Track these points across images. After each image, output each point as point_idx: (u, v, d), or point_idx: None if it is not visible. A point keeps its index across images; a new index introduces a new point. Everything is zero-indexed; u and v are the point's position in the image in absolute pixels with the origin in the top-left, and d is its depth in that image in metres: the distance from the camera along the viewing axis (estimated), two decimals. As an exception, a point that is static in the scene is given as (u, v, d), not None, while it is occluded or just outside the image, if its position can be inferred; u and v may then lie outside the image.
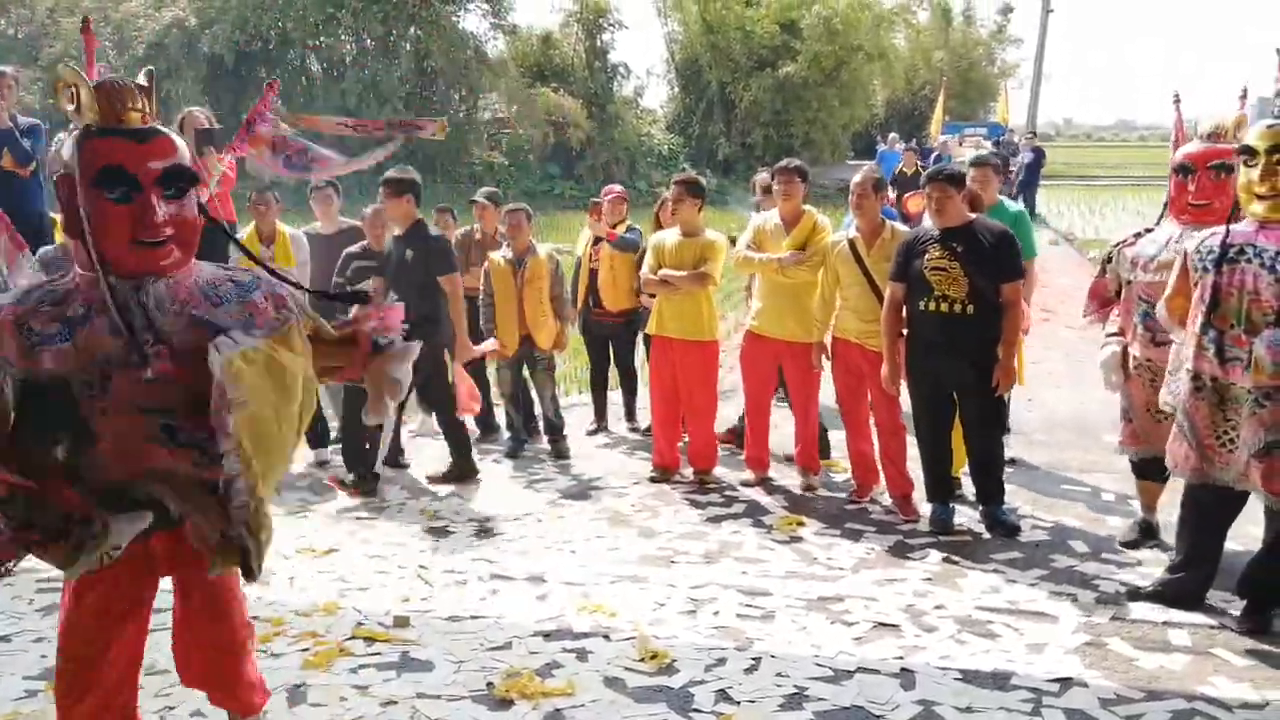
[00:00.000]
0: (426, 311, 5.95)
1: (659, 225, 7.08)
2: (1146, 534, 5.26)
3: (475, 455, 6.62)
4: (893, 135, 24.38)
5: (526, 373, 7.13)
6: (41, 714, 3.63)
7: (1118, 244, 5.14)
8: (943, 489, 5.58)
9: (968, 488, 5.76)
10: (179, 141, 2.68)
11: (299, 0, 27.78)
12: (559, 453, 6.99)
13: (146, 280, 2.62)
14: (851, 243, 5.77)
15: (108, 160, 2.55)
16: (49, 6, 28.86)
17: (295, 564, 5.12)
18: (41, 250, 6.40)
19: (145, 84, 2.68)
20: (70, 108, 2.62)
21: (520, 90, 30.27)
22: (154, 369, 2.58)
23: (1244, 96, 5.16)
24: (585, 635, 4.33)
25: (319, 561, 5.17)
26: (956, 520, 5.52)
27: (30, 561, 5.07)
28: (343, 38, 29.91)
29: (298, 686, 3.89)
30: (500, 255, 6.86)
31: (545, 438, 7.13)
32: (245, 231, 6.84)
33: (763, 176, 7.42)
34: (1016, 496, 5.90)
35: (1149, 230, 5.04)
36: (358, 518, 5.84)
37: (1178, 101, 5.45)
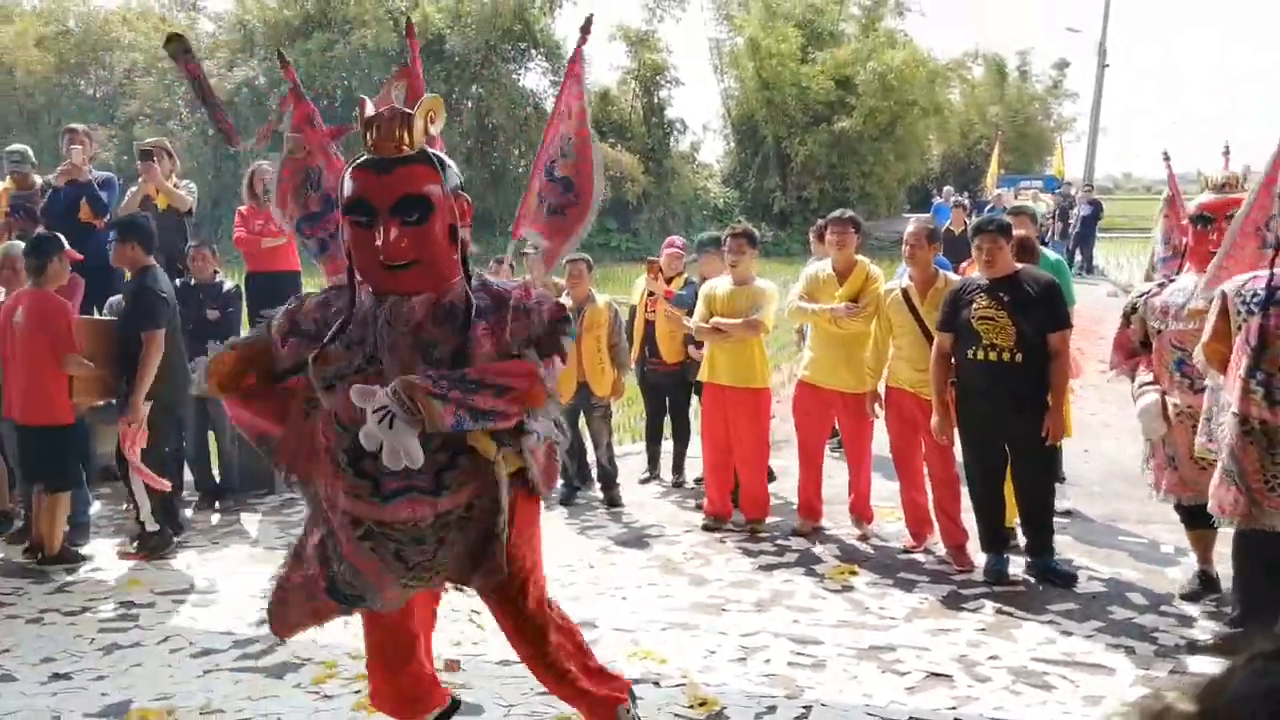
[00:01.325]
0: (133, 362, 5.78)
1: (700, 277, 7.16)
2: (1207, 586, 5.17)
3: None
4: (948, 189, 24.29)
5: (582, 420, 7.19)
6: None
7: (1142, 295, 5.18)
8: (997, 539, 5.52)
9: (1023, 538, 5.70)
10: (426, 169, 2.81)
11: (364, 59, 28.44)
12: (612, 500, 7.02)
13: (397, 301, 2.82)
14: (905, 291, 5.79)
15: (353, 191, 2.79)
16: (126, 67, 29.84)
17: (350, 607, 5.17)
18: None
19: (410, 112, 2.84)
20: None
21: (578, 146, 30.60)
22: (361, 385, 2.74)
23: (1226, 154, 5.27)
24: (636, 681, 4.28)
25: (374, 605, 5.21)
26: (1011, 571, 5.46)
27: (92, 600, 5.20)
28: (407, 95, 30.53)
29: (351, 726, 3.92)
30: (560, 303, 6.90)
31: (598, 485, 7.18)
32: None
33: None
34: (1073, 548, 5.83)
35: (1171, 280, 5.08)
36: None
37: (1168, 159, 5.60)
